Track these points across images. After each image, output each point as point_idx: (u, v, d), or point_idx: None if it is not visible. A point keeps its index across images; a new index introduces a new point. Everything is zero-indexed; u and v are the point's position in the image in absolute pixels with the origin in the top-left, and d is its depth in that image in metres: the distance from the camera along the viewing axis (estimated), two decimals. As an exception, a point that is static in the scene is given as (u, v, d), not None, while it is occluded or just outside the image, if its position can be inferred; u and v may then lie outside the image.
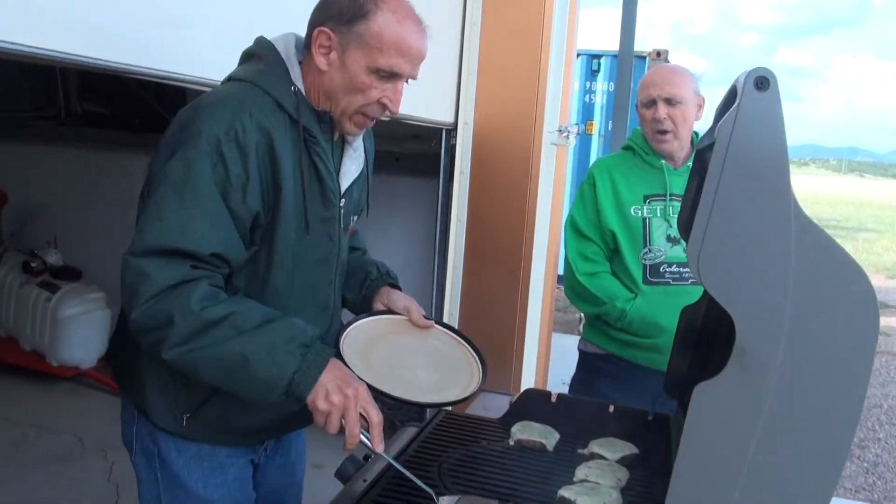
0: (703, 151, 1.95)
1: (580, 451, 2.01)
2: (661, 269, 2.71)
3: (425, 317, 2.05)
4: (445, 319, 4.42)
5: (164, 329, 1.51)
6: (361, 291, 2.07)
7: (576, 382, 3.08)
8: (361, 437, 1.57)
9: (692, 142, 2.81)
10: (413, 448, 1.92)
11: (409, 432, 2.18)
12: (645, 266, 2.73)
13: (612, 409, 2.12)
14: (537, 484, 1.79)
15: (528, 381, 4.47)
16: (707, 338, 2.02)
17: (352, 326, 1.94)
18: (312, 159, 1.72)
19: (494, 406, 2.44)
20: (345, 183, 1.87)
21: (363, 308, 2.05)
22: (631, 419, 2.11)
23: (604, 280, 2.82)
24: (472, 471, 1.82)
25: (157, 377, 1.77)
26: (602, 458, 1.95)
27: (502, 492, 1.73)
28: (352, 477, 1.95)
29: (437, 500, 1.59)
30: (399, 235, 5.01)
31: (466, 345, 2.07)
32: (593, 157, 9.73)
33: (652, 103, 2.76)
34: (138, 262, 1.53)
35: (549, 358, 5.02)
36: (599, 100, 10.12)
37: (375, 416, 1.58)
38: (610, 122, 9.04)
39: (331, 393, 1.54)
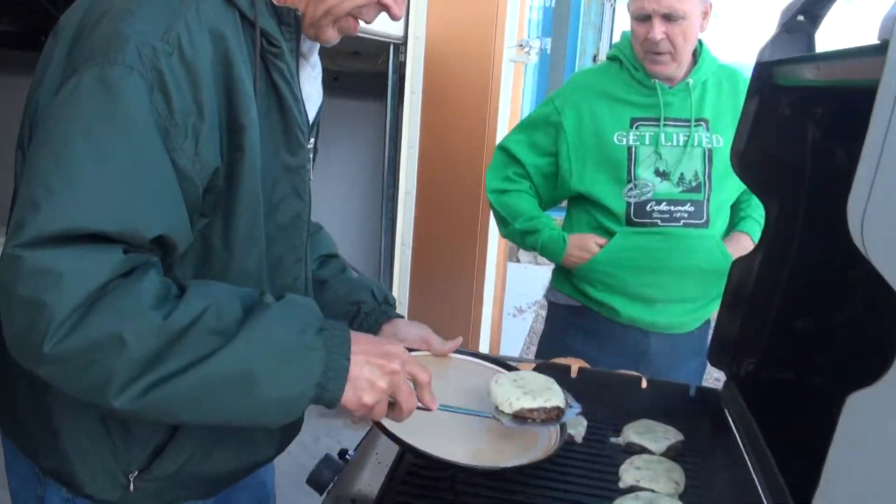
0: (767, 66, 1.54)
1: (613, 440, 1.63)
2: (647, 208, 2.22)
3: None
4: (396, 257, 3.98)
5: (104, 362, 0.97)
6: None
7: (545, 339, 2.62)
8: None
9: (695, 53, 2.34)
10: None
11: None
12: (629, 204, 2.23)
13: (644, 383, 1.73)
14: (578, 496, 1.40)
15: (486, 310, 4.13)
16: (765, 297, 1.64)
17: None
18: (274, 81, 1.22)
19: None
20: (311, 115, 1.38)
21: None
22: (668, 395, 1.73)
23: (511, 198, 2.38)
24: (492, 481, 1.40)
25: (82, 424, 1.22)
26: (645, 450, 1.56)
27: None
28: (329, 483, 1.54)
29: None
30: (340, 167, 4.48)
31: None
32: (526, 83, 9.21)
33: (646, 18, 2.20)
34: (38, 258, 0.96)
35: (506, 285, 4.68)
36: (535, 16, 9.58)
37: (425, 377, 1.21)
38: (548, 40, 8.52)
39: (375, 380, 1.12)
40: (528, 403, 1.36)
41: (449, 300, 4.06)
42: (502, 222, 2.41)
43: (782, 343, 1.67)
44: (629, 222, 2.23)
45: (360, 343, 1.13)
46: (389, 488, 1.35)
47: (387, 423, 1.28)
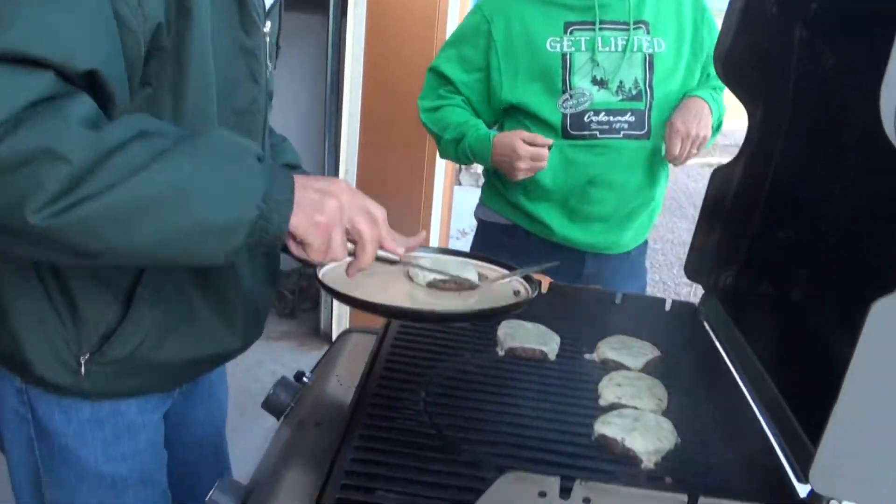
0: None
1: (588, 356, 1.55)
2: (585, 119, 2.05)
3: None
4: (341, 171, 3.82)
5: (31, 176, 0.88)
6: None
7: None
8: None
9: None
10: (377, 373, 1.38)
11: (351, 344, 1.65)
12: (565, 116, 2.06)
13: (619, 299, 1.65)
14: (556, 413, 1.31)
15: (433, 234, 4.03)
16: (744, 209, 1.56)
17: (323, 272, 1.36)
18: None
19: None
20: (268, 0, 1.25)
21: None
22: (642, 310, 1.65)
23: (442, 112, 2.20)
24: (462, 410, 1.31)
25: (29, 302, 1.18)
26: (622, 366, 1.48)
27: (519, 439, 1.24)
28: (286, 408, 1.43)
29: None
30: (280, 86, 4.25)
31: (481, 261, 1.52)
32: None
33: None
34: None
35: (452, 205, 4.58)
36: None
37: (379, 212, 1.13)
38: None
39: (320, 201, 1.06)
40: (440, 276, 1.38)
41: (395, 225, 3.89)
42: (437, 139, 2.23)
43: (762, 255, 1.60)
44: (565, 134, 2.06)
45: (299, 177, 1.07)
46: (358, 411, 1.23)
47: (330, 281, 1.29)
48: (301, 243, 1.07)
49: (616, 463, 1.20)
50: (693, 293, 5.59)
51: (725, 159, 1.63)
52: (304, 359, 3.87)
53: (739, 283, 1.62)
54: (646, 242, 2.33)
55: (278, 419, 1.46)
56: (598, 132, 2.05)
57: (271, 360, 3.88)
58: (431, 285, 1.38)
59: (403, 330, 1.56)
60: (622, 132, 2.05)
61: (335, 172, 3.83)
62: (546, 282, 1.67)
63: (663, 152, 2.10)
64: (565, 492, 0.97)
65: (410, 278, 1.39)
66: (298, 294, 4.46)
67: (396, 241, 1.15)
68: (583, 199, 2.11)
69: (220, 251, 1.00)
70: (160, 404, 1.38)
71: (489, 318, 1.53)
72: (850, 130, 1.45)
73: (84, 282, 1.18)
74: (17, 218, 0.89)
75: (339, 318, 3.98)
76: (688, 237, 6.93)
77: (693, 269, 1.64)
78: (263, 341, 3.96)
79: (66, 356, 1.20)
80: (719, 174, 1.59)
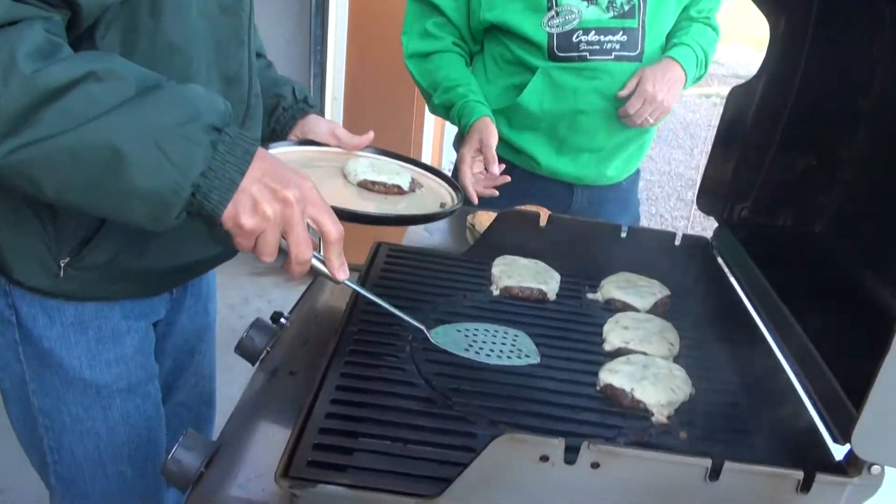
0: None
1: (591, 296, 1.42)
2: (573, 39, 1.85)
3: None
4: (327, 111, 3.65)
5: None
6: (270, 124, 1.49)
7: None
8: (314, 260, 1.01)
9: None
10: (358, 315, 1.25)
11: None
12: (551, 36, 1.86)
13: (624, 232, 1.51)
14: (557, 360, 1.19)
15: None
16: (763, 133, 1.42)
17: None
18: None
19: (444, 230, 1.79)
20: None
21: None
22: (649, 245, 1.51)
23: (432, 63, 1.97)
24: (453, 356, 1.18)
25: (8, 213, 1.15)
26: (628, 307, 1.36)
27: (515, 390, 1.11)
28: (262, 352, 1.31)
29: (429, 334, 1.14)
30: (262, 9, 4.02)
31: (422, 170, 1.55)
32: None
33: None
34: None
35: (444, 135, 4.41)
36: None
37: (333, 230, 1.01)
38: None
39: (260, 202, 0.95)
40: (371, 176, 1.39)
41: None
42: (425, 95, 2.03)
43: (781, 185, 1.46)
44: (552, 56, 1.86)
45: (263, 162, 0.96)
46: (336, 359, 1.10)
47: None
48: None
49: (624, 416, 1.07)
50: (689, 227, 5.47)
51: (724, 90, 1.47)
52: (291, 294, 3.71)
53: (756, 216, 1.48)
54: (638, 172, 2.17)
55: (253, 364, 1.33)
56: (587, 53, 1.85)
57: (257, 296, 3.75)
58: (362, 185, 1.39)
59: (388, 267, 1.43)
60: (613, 53, 1.86)
61: (321, 102, 3.65)
62: (545, 214, 1.52)
63: None
64: (571, 453, 0.85)
65: (345, 176, 1.41)
66: (285, 227, 4.31)
67: (338, 259, 1.04)
68: (571, 128, 1.93)
69: (149, 218, 0.94)
70: (147, 311, 1.34)
71: (405, 223, 1.53)
72: (880, 43, 1.30)
73: None
74: None
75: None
76: (684, 169, 6.79)
77: (706, 201, 1.50)
78: (249, 277, 3.89)
79: (45, 259, 1.17)
80: (737, 95, 1.43)
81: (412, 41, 1.98)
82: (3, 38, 0.86)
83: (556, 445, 0.84)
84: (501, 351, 1.15)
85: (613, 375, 1.11)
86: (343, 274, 1.04)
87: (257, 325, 1.35)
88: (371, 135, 1.50)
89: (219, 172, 0.92)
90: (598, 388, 1.12)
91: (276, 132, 1.49)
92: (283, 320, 1.39)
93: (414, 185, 1.45)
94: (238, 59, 1.24)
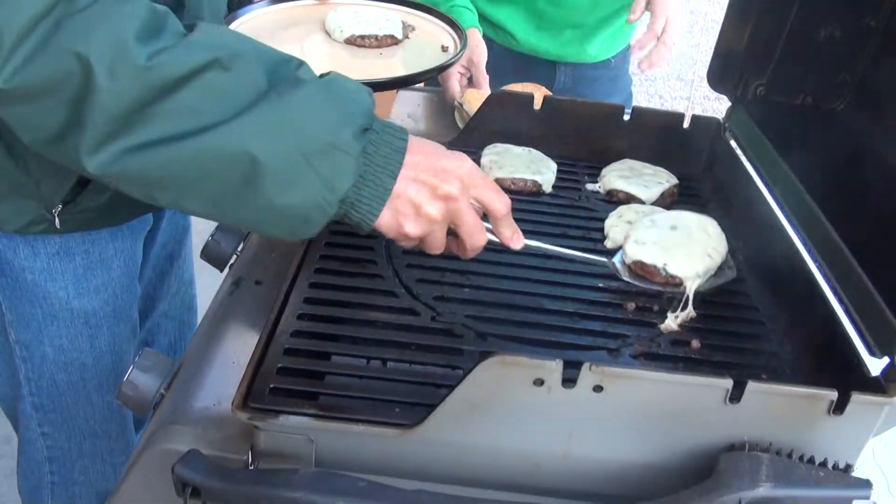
0: None
1: (591, 186, 1.28)
2: None
3: None
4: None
5: (69, 102, 0.69)
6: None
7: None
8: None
9: None
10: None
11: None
12: None
13: (627, 114, 1.36)
14: (555, 262, 1.06)
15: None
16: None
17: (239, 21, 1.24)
18: None
19: (429, 117, 1.63)
20: None
21: None
22: (656, 128, 1.37)
23: None
24: (437, 260, 1.05)
25: None
26: (632, 198, 1.23)
27: (506, 297, 0.99)
28: (229, 256, 1.19)
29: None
30: None
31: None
32: None
33: None
34: None
35: None
36: None
37: (501, 206, 0.86)
38: None
39: (422, 205, 0.80)
40: (359, 30, 1.26)
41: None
42: None
43: (801, 58, 1.30)
44: None
45: (414, 154, 0.80)
46: (306, 265, 0.98)
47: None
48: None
49: (629, 324, 0.96)
50: (690, 107, 5.28)
51: None
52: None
53: (773, 93, 1.33)
54: (628, 48, 1.98)
55: (221, 271, 1.22)
56: None
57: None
58: (350, 42, 1.26)
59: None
60: None
61: None
62: (540, 94, 1.37)
63: None
64: (570, 375, 0.73)
65: (328, 33, 1.28)
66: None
67: (510, 229, 0.89)
68: (551, 1, 1.75)
69: (287, 233, 0.78)
70: (136, 227, 1.25)
71: (415, 82, 1.32)
72: None
73: None
74: (75, 158, 0.72)
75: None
76: (686, 47, 6.53)
77: (717, 77, 1.34)
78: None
79: (34, 210, 1.06)
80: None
81: None
82: (101, 6, 0.69)
83: (553, 368, 0.72)
84: None
85: (641, 248, 0.99)
86: (518, 243, 0.91)
87: (223, 228, 1.23)
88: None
89: (370, 180, 0.77)
90: (626, 262, 1.01)
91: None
92: (252, 220, 1.26)
93: (406, 30, 1.32)
94: None
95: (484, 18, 1.78)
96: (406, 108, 1.60)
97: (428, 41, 1.30)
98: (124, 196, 1.02)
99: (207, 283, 1.44)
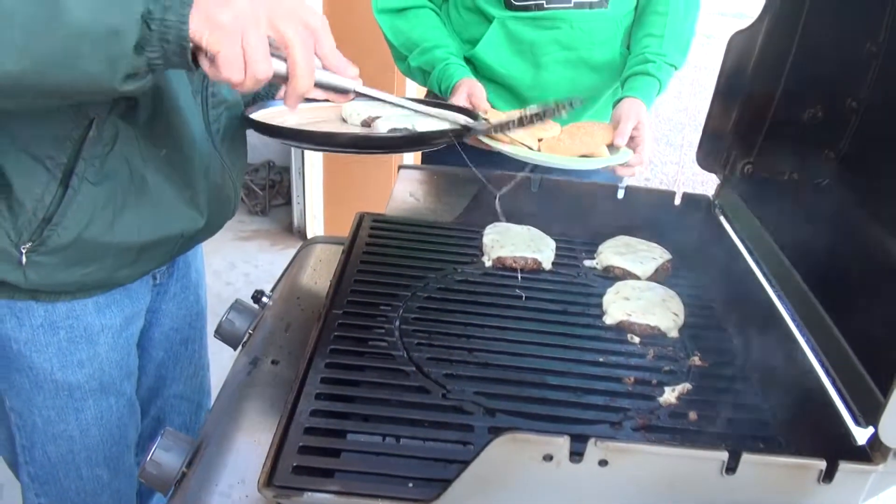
0: None
1: (588, 262, 1.35)
2: None
3: None
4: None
5: None
6: None
7: (426, 156, 1.96)
8: (317, 72, 0.92)
9: None
10: (343, 296, 1.17)
11: (315, 258, 1.43)
12: None
13: (621, 193, 1.43)
14: (557, 338, 1.12)
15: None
16: (765, 83, 1.34)
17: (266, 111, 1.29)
18: None
19: (431, 196, 1.70)
20: None
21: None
22: (647, 206, 1.44)
23: (406, 21, 1.80)
24: (445, 338, 1.11)
25: None
26: (628, 273, 1.29)
27: (512, 373, 1.04)
28: (243, 335, 1.24)
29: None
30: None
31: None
32: None
33: None
34: None
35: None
36: None
37: (317, 20, 0.90)
38: None
39: (222, 6, 0.83)
40: (374, 112, 1.27)
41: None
42: (397, 55, 1.85)
43: (785, 137, 1.38)
44: (508, 5, 1.71)
45: None
46: (319, 348, 1.03)
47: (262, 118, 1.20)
48: (210, 56, 0.86)
49: (630, 397, 1.01)
50: (680, 171, 5.39)
51: (710, 28, 1.38)
52: (278, 259, 3.66)
53: (760, 171, 1.40)
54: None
55: (235, 349, 1.26)
56: (544, 1, 1.71)
57: (243, 261, 3.67)
58: (366, 123, 1.29)
59: (373, 241, 1.35)
60: (573, 1, 1.71)
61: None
62: (535, 178, 1.44)
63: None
64: (576, 451, 0.78)
65: (344, 120, 1.31)
66: (269, 189, 4.21)
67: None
68: (534, 87, 1.79)
69: (110, 68, 0.81)
70: (124, 303, 1.25)
71: (427, 143, 1.33)
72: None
73: (15, 160, 1.03)
74: None
75: (313, 213, 3.75)
76: (672, 112, 6.67)
77: (706, 157, 1.42)
78: (234, 242, 3.80)
79: (5, 246, 1.07)
80: (737, 42, 1.34)
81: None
82: None
83: (561, 444, 0.77)
84: None
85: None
86: (353, 70, 0.95)
87: (237, 307, 1.29)
88: (355, 69, 1.42)
89: None
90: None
91: (259, 95, 1.39)
92: (265, 299, 1.32)
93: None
94: None
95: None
96: (408, 187, 1.66)
97: (440, 122, 1.31)
98: (91, 246, 1.10)
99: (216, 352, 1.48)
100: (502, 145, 1.40)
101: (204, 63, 0.87)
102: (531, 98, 1.79)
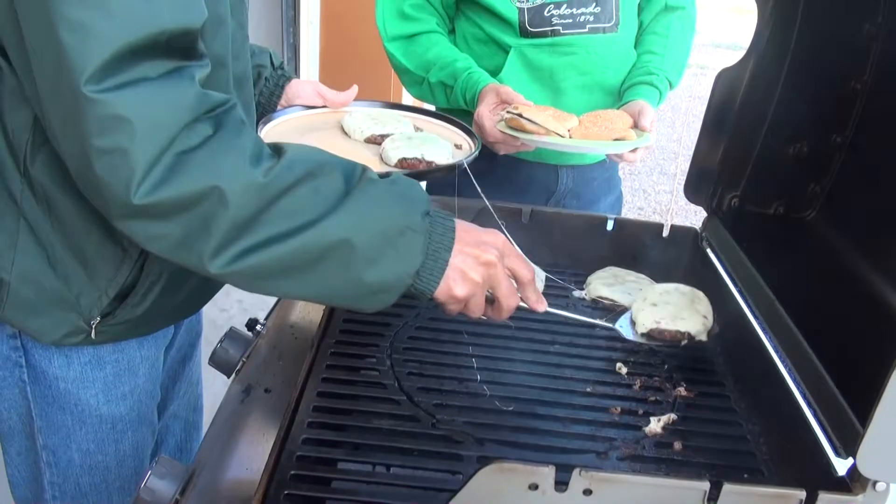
0: None
1: (578, 293, 1.37)
2: (545, 13, 1.76)
3: None
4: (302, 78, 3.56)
5: (201, 218, 0.85)
6: (255, 96, 1.40)
7: (435, 182, 1.96)
8: None
9: None
10: (335, 325, 1.19)
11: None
12: (521, 10, 1.76)
13: (610, 224, 1.46)
14: (547, 368, 1.14)
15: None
16: (752, 118, 1.37)
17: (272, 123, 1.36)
18: None
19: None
20: None
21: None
22: (637, 237, 1.46)
23: (419, 45, 1.87)
24: (436, 368, 1.13)
25: (28, 275, 1.08)
26: (616, 304, 1.31)
27: (502, 402, 1.06)
28: (237, 363, 1.25)
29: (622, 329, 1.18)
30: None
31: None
32: None
33: None
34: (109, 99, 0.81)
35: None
36: None
37: (527, 273, 1.02)
38: None
39: (467, 271, 0.96)
40: (377, 130, 1.35)
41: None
42: (412, 78, 1.89)
43: (772, 172, 1.41)
44: (524, 32, 1.76)
45: (461, 230, 0.96)
46: (312, 376, 1.05)
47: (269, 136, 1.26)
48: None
49: (616, 427, 1.03)
50: (674, 199, 5.43)
51: (703, 59, 1.42)
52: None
53: (746, 205, 1.43)
54: None
55: (228, 377, 1.28)
56: (560, 27, 1.77)
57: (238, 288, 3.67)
58: (370, 140, 1.35)
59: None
60: (587, 26, 1.77)
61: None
62: (526, 209, 1.47)
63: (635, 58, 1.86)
64: (561, 480, 0.80)
65: (347, 134, 1.36)
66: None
67: (535, 294, 1.06)
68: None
69: (372, 306, 0.93)
70: (161, 337, 1.29)
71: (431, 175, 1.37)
72: (874, 21, 1.25)
73: (98, 243, 1.08)
74: (199, 262, 0.86)
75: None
76: (666, 142, 6.75)
77: (694, 190, 1.44)
78: (228, 268, 3.80)
79: (73, 322, 1.11)
80: (724, 78, 1.38)
81: (391, 24, 1.87)
82: (220, 140, 0.85)
83: (546, 473, 0.79)
84: None
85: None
86: (542, 306, 1.05)
87: (231, 335, 1.30)
88: (355, 89, 1.49)
89: (433, 255, 0.92)
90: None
91: (261, 104, 1.44)
92: (258, 327, 1.33)
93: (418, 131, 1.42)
94: (245, 56, 1.18)
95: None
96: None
97: (441, 140, 1.37)
98: (159, 308, 1.14)
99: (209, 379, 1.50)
100: (536, 137, 1.46)
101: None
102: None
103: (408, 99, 3.80)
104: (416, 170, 1.25)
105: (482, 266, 0.95)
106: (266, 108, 1.45)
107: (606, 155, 1.74)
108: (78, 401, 1.20)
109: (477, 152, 1.34)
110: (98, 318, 1.11)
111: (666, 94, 1.85)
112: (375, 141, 1.35)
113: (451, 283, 0.93)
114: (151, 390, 1.30)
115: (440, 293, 0.94)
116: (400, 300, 1.19)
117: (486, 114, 1.65)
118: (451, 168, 1.27)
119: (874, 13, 1.22)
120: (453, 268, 0.93)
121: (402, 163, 1.26)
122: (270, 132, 1.34)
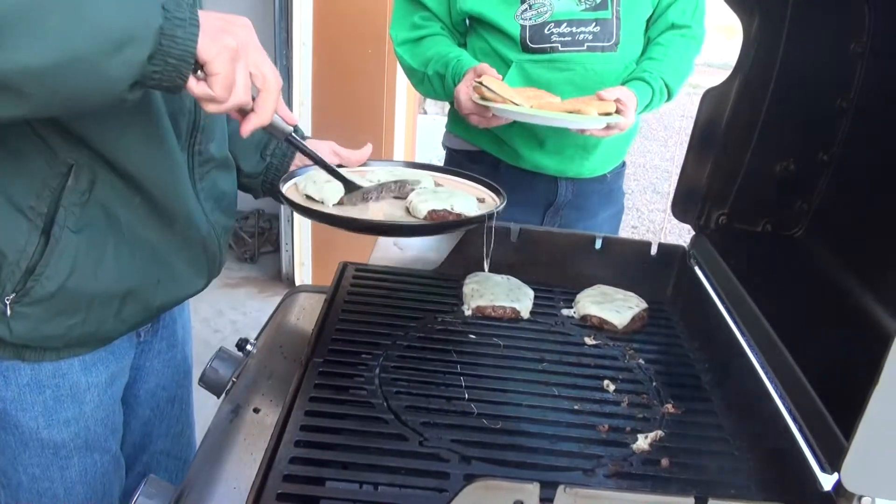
0: None
1: (566, 311, 1.37)
2: (545, 31, 1.82)
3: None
4: (294, 114, 3.57)
5: None
6: (266, 158, 1.43)
7: None
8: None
9: None
10: (324, 344, 1.19)
11: (298, 306, 1.46)
12: (524, 28, 1.82)
13: (598, 243, 1.46)
14: (534, 386, 1.14)
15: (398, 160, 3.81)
16: (739, 137, 1.38)
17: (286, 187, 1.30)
18: None
19: (414, 245, 1.73)
20: None
21: (270, 184, 1.43)
22: (624, 256, 1.47)
23: (423, 45, 1.95)
24: (424, 387, 1.13)
25: None
26: (605, 322, 1.31)
27: (489, 420, 1.06)
28: (227, 383, 1.25)
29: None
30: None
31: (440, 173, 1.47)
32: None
33: None
34: None
35: (416, 135, 4.35)
36: None
37: (273, 77, 1.01)
38: None
39: (227, 28, 0.94)
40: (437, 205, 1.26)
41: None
42: (416, 76, 1.96)
43: (759, 190, 1.42)
44: (525, 48, 1.82)
45: (211, 12, 0.96)
46: (300, 395, 1.05)
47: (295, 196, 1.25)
48: (206, 73, 0.94)
49: (604, 444, 1.03)
50: (667, 218, 5.45)
51: (696, 78, 1.43)
52: (266, 306, 3.68)
53: (734, 222, 1.44)
54: (623, 164, 2.12)
55: (219, 397, 1.28)
56: (559, 45, 1.81)
57: (231, 308, 3.68)
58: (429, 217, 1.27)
59: (355, 290, 1.37)
60: (585, 44, 1.82)
61: (288, 102, 3.58)
62: (514, 229, 1.48)
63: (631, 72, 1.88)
64: (546, 497, 0.80)
65: (408, 211, 1.28)
66: (258, 236, 4.24)
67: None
68: (551, 126, 1.87)
69: (121, 68, 0.86)
70: (106, 361, 1.25)
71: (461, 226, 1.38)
72: (859, 40, 1.26)
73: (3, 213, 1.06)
74: None
75: (301, 261, 3.78)
76: (659, 160, 6.78)
77: (681, 208, 1.45)
78: (222, 289, 3.82)
79: None
80: (711, 97, 1.39)
81: (401, 32, 1.96)
82: None
83: (531, 490, 0.79)
84: None
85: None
86: (293, 119, 1.09)
87: (221, 355, 1.30)
88: (369, 147, 1.47)
89: (175, 10, 0.88)
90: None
91: (273, 165, 1.42)
92: (248, 347, 1.33)
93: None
94: None
95: (493, 137, 1.92)
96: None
97: (462, 194, 1.32)
98: (75, 295, 1.11)
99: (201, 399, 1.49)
100: (495, 104, 1.57)
101: (191, 81, 0.93)
102: (547, 137, 1.89)
103: (401, 113, 3.82)
104: (446, 221, 1.22)
105: (237, 28, 0.95)
106: (279, 169, 1.42)
107: (576, 130, 1.76)
108: (17, 422, 1.19)
109: (504, 203, 1.29)
110: (12, 294, 1.08)
111: (661, 94, 1.88)
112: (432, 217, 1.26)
113: (216, 34, 0.91)
114: (104, 418, 1.27)
115: (206, 46, 0.90)
116: (387, 320, 1.20)
117: (463, 88, 1.75)
118: (480, 219, 1.23)
119: (860, 32, 1.24)
120: (210, 24, 0.92)
121: (432, 214, 1.22)
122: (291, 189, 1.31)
